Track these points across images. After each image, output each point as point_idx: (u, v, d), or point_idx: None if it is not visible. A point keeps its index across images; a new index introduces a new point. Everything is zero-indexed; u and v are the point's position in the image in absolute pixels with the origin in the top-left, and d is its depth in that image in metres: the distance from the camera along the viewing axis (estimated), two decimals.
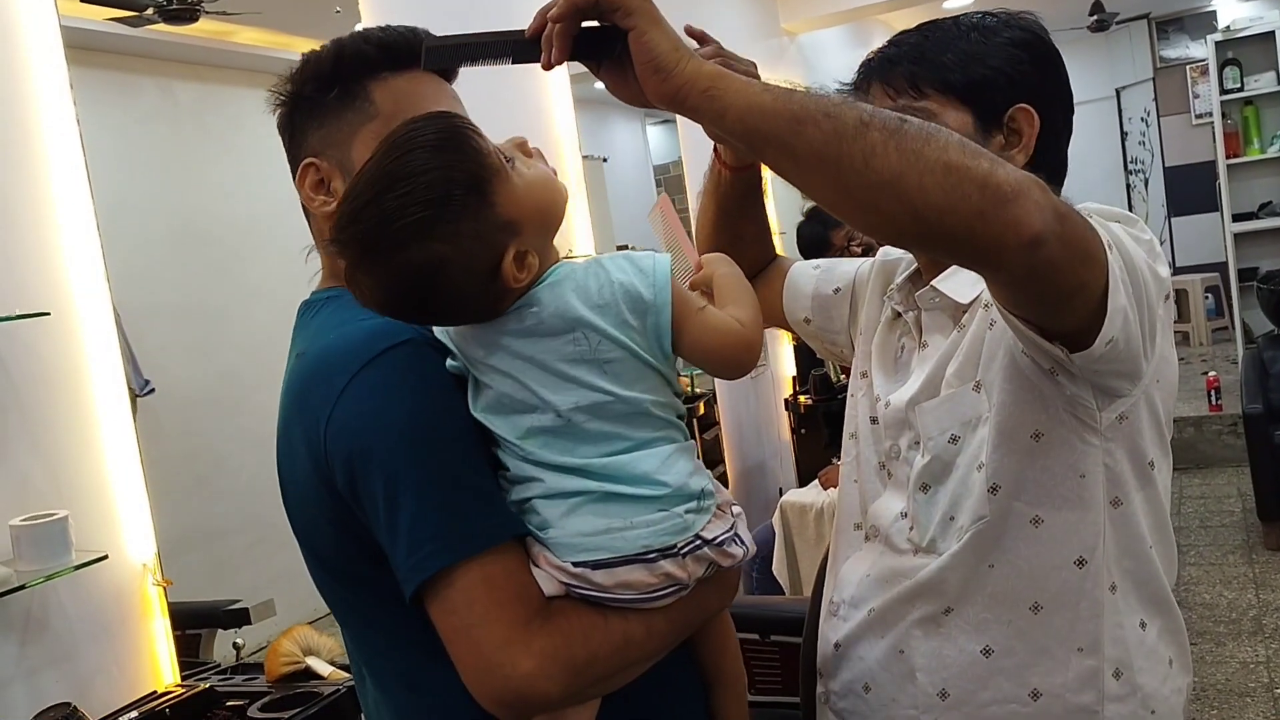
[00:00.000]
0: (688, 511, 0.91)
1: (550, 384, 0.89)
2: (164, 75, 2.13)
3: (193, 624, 1.93)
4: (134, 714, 1.65)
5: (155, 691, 1.77)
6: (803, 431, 4.13)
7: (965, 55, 1.10)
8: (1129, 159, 8.63)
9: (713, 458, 3.78)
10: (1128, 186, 8.59)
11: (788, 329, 1.44)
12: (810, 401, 4.06)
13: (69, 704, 1.51)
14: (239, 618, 1.99)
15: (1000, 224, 0.80)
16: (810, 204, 4.06)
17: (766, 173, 1.41)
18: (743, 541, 0.96)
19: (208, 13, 1.98)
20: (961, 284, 1.09)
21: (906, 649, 1.10)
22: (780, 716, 2.28)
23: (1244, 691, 3.13)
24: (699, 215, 1.39)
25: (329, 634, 1.82)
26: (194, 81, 2.22)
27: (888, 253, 1.30)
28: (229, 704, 1.73)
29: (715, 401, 3.80)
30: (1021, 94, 1.10)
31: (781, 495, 3.57)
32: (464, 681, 0.85)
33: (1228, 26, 6.23)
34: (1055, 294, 0.89)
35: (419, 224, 0.84)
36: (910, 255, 1.22)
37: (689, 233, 1.36)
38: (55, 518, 1.61)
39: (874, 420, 1.18)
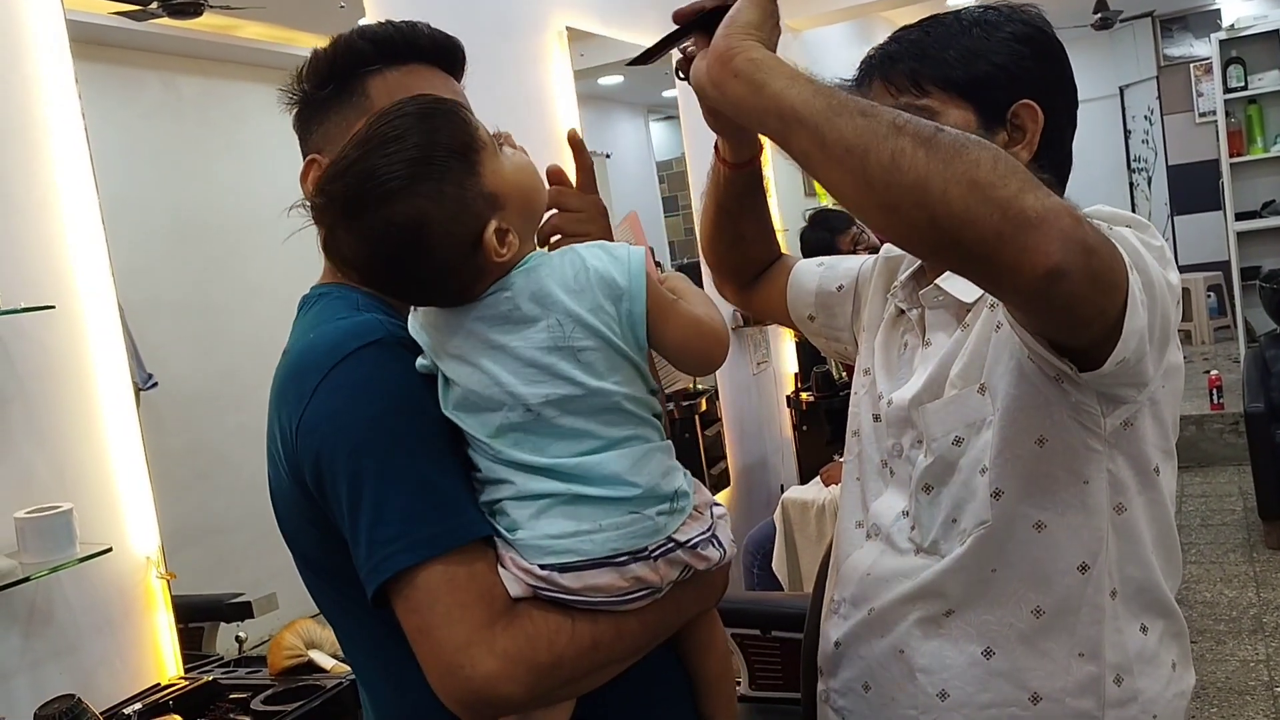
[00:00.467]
0: (660, 513, 0.90)
1: (522, 375, 0.88)
2: (168, 70, 2.13)
3: (195, 617, 1.94)
4: (137, 706, 1.66)
5: (158, 684, 1.78)
6: (804, 428, 4.13)
7: (967, 51, 1.09)
8: (1132, 157, 8.61)
9: (714, 454, 3.78)
10: (1131, 185, 8.58)
11: (792, 326, 1.44)
12: (812, 398, 4.06)
13: (73, 696, 1.52)
14: (241, 611, 2.00)
15: (1018, 249, 0.78)
16: (813, 208, 4.06)
17: (768, 170, 1.40)
18: (720, 544, 0.95)
19: (212, 7, 1.98)
20: (966, 282, 1.08)
21: (907, 649, 1.10)
22: (782, 712, 2.29)
23: (1244, 690, 3.14)
24: (701, 215, 1.38)
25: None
26: (198, 76, 2.22)
27: (890, 250, 1.29)
28: (232, 697, 1.74)
29: (717, 398, 3.81)
30: (1025, 90, 1.08)
31: (783, 492, 3.58)
32: (429, 681, 0.84)
33: (1232, 25, 6.21)
34: (1071, 322, 0.88)
35: (404, 180, 0.84)
36: None
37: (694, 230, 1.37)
38: (59, 510, 1.61)
39: (876, 418, 1.18)
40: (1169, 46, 8.21)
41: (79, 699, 1.51)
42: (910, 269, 1.21)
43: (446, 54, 1.04)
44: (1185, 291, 7.34)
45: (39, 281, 1.69)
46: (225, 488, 2.11)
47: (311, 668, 1.79)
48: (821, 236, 3.58)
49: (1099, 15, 6.64)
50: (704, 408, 3.68)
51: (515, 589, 0.87)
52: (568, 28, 3.15)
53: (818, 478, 3.53)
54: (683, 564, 0.92)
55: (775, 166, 2.72)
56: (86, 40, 1.81)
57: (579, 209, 1.10)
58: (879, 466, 1.17)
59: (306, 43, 2.30)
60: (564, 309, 0.89)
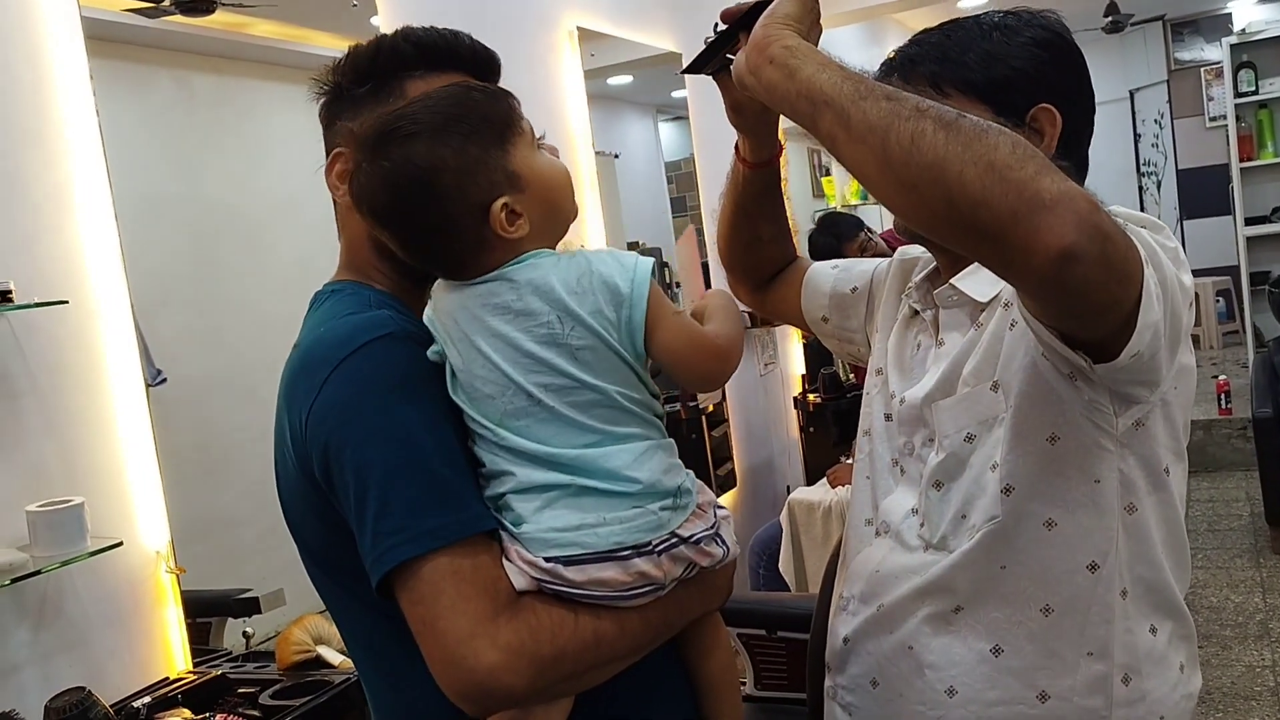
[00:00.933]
0: (663, 509, 0.91)
1: (520, 365, 0.89)
2: (180, 67, 2.14)
3: (203, 612, 1.95)
4: (146, 699, 1.66)
5: (167, 678, 1.79)
6: (811, 430, 4.13)
7: (987, 55, 1.10)
8: (1142, 161, 8.59)
9: (721, 455, 3.78)
10: (1140, 189, 8.55)
11: (806, 328, 1.45)
12: (819, 400, 4.06)
13: (83, 688, 1.52)
14: (249, 606, 2.00)
15: (1031, 229, 0.79)
16: (822, 211, 4.06)
17: (783, 171, 1.41)
18: (724, 542, 0.96)
19: (224, 4, 1.99)
20: (981, 282, 1.09)
21: (915, 645, 1.10)
22: (787, 712, 2.29)
23: (1249, 695, 3.13)
24: (719, 216, 1.39)
25: None
26: (210, 73, 2.23)
27: (906, 251, 1.30)
28: (240, 691, 1.75)
29: (724, 399, 3.81)
30: (1043, 94, 1.09)
31: (789, 493, 3.58)
32: (431, 673, 0.85)
33: (1243, 29, 6.20)
34: (1085, 309, 0.89)
35: (434, 127, 0.90)
36: (929, 254, 1.22)
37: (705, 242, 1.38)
38: (71, 504, 1.62)
39: (889, 417, 1.19)
40: (1180, 50, 8.19)
41: (89, 691, 1.52)
42: (925, 270, 1.22)
43: (485, 65, 1.06)
44: (1194, 296, 7.32)
45: (52, 277, 1.70)
46: (233, 484, 2.12)
47: (319, 663, 1.79)
48: (828, 242, 3.58)
49: (1109, 18, 6.62)
50: (711, 409, 3.69)
51: (520, 582, 0.87)
52: (578, 27, 3.16)
53: (824, 479, 3.53)
54: (686, 560, 0.93)
55: (788, 167, 2.72)
56: (100, 37, 1.81)
57: None
58: (890, 465, 1.18)
59: (318, 41, 2.32)
60: (564, 307, 0.90)
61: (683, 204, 4.00)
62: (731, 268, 1.44)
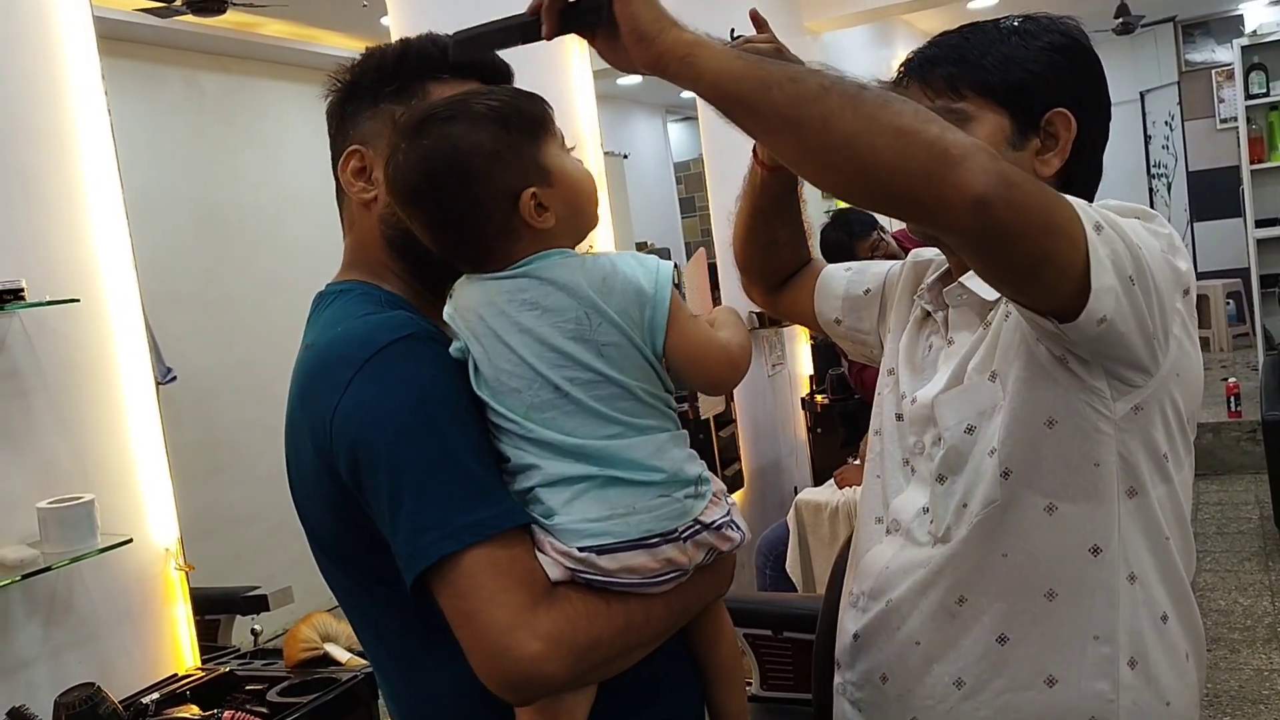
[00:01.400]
0: (686, 496, 0.93)
1: (545, 358, 0.91)
2: (190, 66, 2.15)
3: (211, 609, 1.96)
4: (155, 695, 1.67)
5: (176, 674, 1.80)
6: (819, 430, 4.13)
7: (1005, 58, 1.10)
8: (1152, 163, 8.57)
9: (729, 455, 3.78)
10: (1150, 190, 8.53)
11: (819, 330, 1.45)
12: (827, 401, 4.06)
13: (92, 684, 1.53)
14: (257, 604, 2.01)
15: (945, 185, 0.84)
16: (835, 208, 4.06)
17: None
18: (739, 526, 0.99)
19: (235, 4, 2.00)
20: None
21: (923, 639, 1.11)
22: (793, 712, 2.30)
23: (1258, 699, 3.12)
24: (735, 219, 1.40)
25: (347, 621, 1.84)
26: (220, 73, 2.24)
27: (919, 254, 1.31)
28: (248, 688, 1.76)
29: (732, 399, 3.81)
30: (1059, 98, 1.10)
31: (797, 494, 3.58)
32: (471, 665, 0.86)
33: (1254, 31, 6.18)
34: (1016, 262, 0.91)
35: (475, 115, 0.93)
36: (942, 255, 1.23)
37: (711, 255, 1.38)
38: (81, 501, 1.63)
39: (899, 417, 1.19)
40: (1190, 52, 8.16)
41: (98, 687, 1.53)
42: (937, 273, 1.23)
43: (505, 78, 1.08)
44: (1204, 299, 7.30)
45: (64, 275, 1.71)
46: (241, 481, 2.13)
47: (327, 660, 1.80)
48: (840, 239, 3.58)
49: (1120, 20, 6.61)
50: (720, 409, 3.69)
51: (555, 573, 0.89)
52: None
53: (832, 480, 3.53)
54: (708, 545, 0.95)
55: None
56: (112, 36, 1.83)
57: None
58: (900, 464, 1.19)
59: (328, 40, 2.32)
60: (592, 305, 0.92)
61: (691, 204, 4.01)
62: (747, 270, 1.45)
